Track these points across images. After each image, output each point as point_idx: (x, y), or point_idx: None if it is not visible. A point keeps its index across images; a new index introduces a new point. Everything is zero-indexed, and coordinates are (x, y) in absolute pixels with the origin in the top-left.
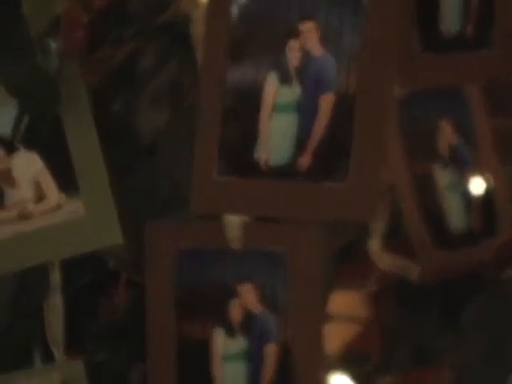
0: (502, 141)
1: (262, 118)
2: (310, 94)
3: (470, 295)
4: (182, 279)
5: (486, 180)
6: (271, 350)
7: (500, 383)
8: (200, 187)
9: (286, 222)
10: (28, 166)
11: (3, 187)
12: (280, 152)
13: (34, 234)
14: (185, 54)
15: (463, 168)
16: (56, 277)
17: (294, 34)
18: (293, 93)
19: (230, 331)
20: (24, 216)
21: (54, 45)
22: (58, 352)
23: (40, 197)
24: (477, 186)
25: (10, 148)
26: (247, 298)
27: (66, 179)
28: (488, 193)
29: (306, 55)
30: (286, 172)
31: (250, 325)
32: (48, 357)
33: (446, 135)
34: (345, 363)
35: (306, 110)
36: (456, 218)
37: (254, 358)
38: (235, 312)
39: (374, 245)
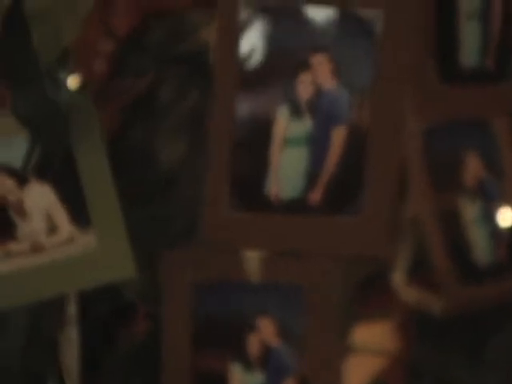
0: None
1: (273, 151)
2: (322, 128)
3: (495, 329)
4: (199, 311)
5: None
6: None
7: None
8: (211, 222)
9: (302, 256)
10: (40, 198)
11: (15, 219)
12: (291, 186)
13: (46, 266)
14: (205, 84)
15: (490, 201)
16: (72, 309)
17: (306, 66)
18: (304, 126)
19: (248, 365)
20: (36, 248)
21: (63, 76)
22: None
23: (52, 229)
24: (504, 218)
25: (22, 180)
26: (265, 331)
27: (78, 212)
28: None
29: (318, 88)
30: (297, 206)
31: (267, 359)
32: None
33: (473, 168)
34: None
35: (317, 144)
36: (482, 251)
37: None
38: (253, 346)
39: (398, 277)
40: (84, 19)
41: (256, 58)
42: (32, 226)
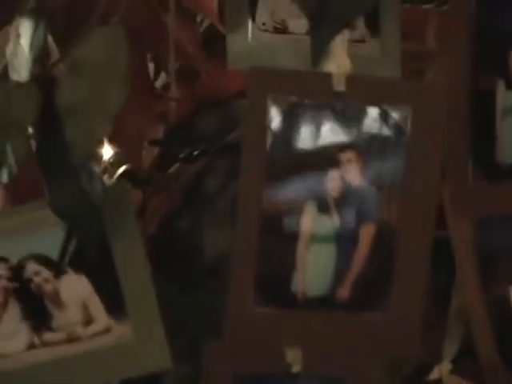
0: None
1: (300, 248)
2: (350, 225)
3: None
4: None
5: None
6: None
7: None
8: (236, 318)
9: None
10: (76, 288)
11: (51, 309)
12: (319, 283)
13: (82, 357)
14: None
15: None
16: None
17: (334, 163)
18: (332, 223)
19: None
20: (72, 339)
21: (98, 169)
22: None
23: (88, 320)
24: None
25: (59, 270)
26: None
27: (115, 302)
28: None
29: (346, 185)
30: (325, 303)
31: None
32: None
33: None
34: None
35: (345, 241)
36: None
37: None
38: None
39: (444, 368)
40: (116, 114)
41: (284, 152)
42: (68, 317)
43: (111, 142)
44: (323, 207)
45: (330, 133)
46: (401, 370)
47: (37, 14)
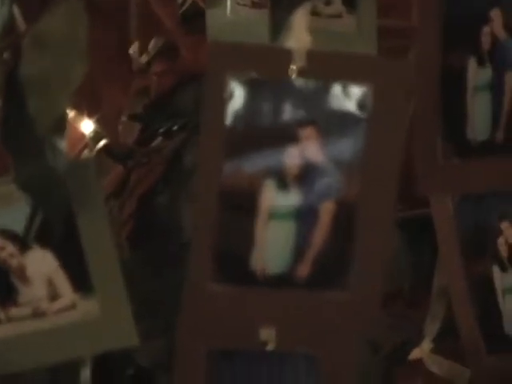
0: None
1: (258, 225)
2: (310, 202)
3: None
4: (211, 380)
5: None
6: None
7: None
8: (193, 294)
9: (320, 327)
10: (42, 264)
11: (17, 285)
12: (278, 261)
13: (48, 332)
14: None
15: None
16: (86, 375)
17: (293, 139)
18: (291, 200)
19: None
20: (38, 314)
21: (61, 143)
22: None
23: (54, 295)
24: None
25: (24, 245)
26: None
27: (81, 278)
28: None
29: (306, 162)
30: (284, 281)
31: None
32: None
33: (507, 237)
34: None
35: (304, 218)
36: None
37: None
38: None
39: (426, 347)
40: (76, 88)
41: (243, 128)
42: (34, 292)
43: (89, 116)
44: (282, 184)
45: (290, 109)
46: (381, 348)
47: None
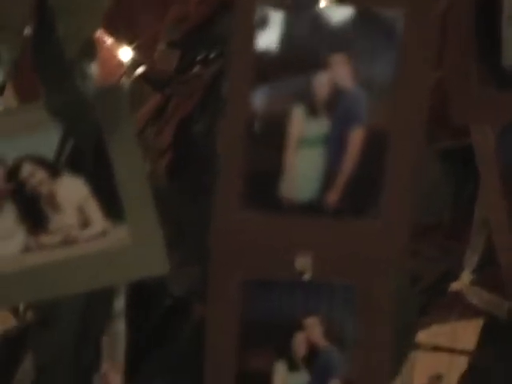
0: None
1: (288, 151)
2: (339, 128)
3: None
4: (246, 309)
5: None
6: None
7: None
8: (221, 222)
9: (360, 254)
10: (72, 191)
11: (47, 211)
12: (307, 187)
13: (78, 260)
14: None
15: None
16: (120, 303)
17: (323, 65)
18: (320, 126)
19: (293, 365)
20: (68, 242)
21: (90, 69)
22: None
23: (85, 223)
24: None
25: (54, 172)
26: (313, 331)
27: (112, 206)
28: None
29: (336, 88)
30: (313, 208)
31: (313, 359)
32: None
33: None
34: None
35: (334, 145)
36: None
37: None
38: (300, 345)
39: (465, 278)
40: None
41: (273, 55)
42: (64, 219)
43: (128, 43)
44: (312, 110)
45: (320, 35)
46: (420, 279)
47: None
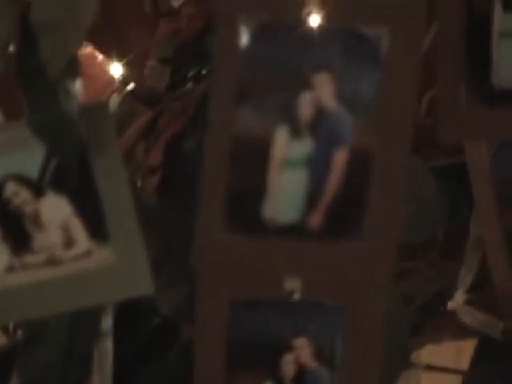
0: None
1: (271, 173)
2: (323, 149)
3: None
4: (234, 330)
5: None
6: None
7: None
8: (203, 244)
9: (346, 276)
10: (56, 210)
11: (31, 231)
12: (290, 209)
13: (62, 280)
14: None
15: None
16: (108, 322)
17: (307, 85)
18: (304, 147)
19: None
20: (53, 261)
21: (73, 86)
22: None
23: (69, 242)
24: None
25: (38, 191)
26: (302, 352)
27: (96, 226)
28: None
29: (319, 108)
30: (296, 230)
31: (302, 380)
32: None
33: None
34: None
35: (317, 166)
36: None
37: None
38: (288, 366)
39: (459, 298)
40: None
41: (256, 75)
42: (48, 239)
43: (118, 60)
44: (295, 131)
45: (304, 54)
46: (414, 298)
47: None
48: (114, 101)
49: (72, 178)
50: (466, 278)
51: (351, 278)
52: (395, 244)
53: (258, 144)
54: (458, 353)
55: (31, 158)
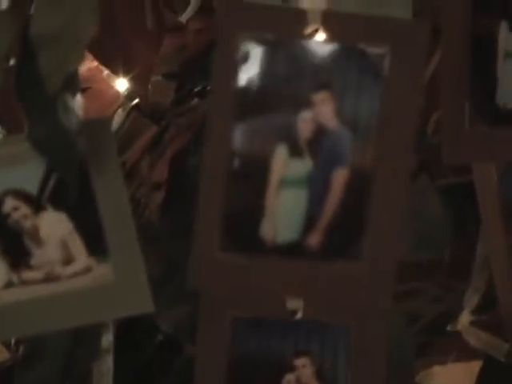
0: None
1: (269, 192)
2: (322, 169)
3: None
4: (236, 348)
5: None
6: None
7: None
8: (200, 264)
9: (347, 296)
10: (56, 226)
11: (30, 247)
12: (288, 229)
13: (61, 296)
14: None
15: None
16: (108, 339)
17: (307, 104)
18: (303, 166)
19: None
20: (51, 278)
21: (72, 101)
22: None
23: (68, 259)
24: None
25: (38, 206)
26: (304, 372)
27: (96, 242)
28: None
29: (319, 127)
30: (294, 250)
31: None
32: None
33: None
34: None
35: (317, 186)
36: None
37: None
38: None
39: (464, 319)
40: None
41: (255, 92)
42: (47, 255)
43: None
44: (294, 150)
45: (304, 72)
46: (419, 319)
47: None
48: (119, 116)
49: (72, 193)
50: (472, 298)
51: (352, 297)
52: (395, 264)
53: (257, 162)
54: (464, 374)
55: (31, 173)
